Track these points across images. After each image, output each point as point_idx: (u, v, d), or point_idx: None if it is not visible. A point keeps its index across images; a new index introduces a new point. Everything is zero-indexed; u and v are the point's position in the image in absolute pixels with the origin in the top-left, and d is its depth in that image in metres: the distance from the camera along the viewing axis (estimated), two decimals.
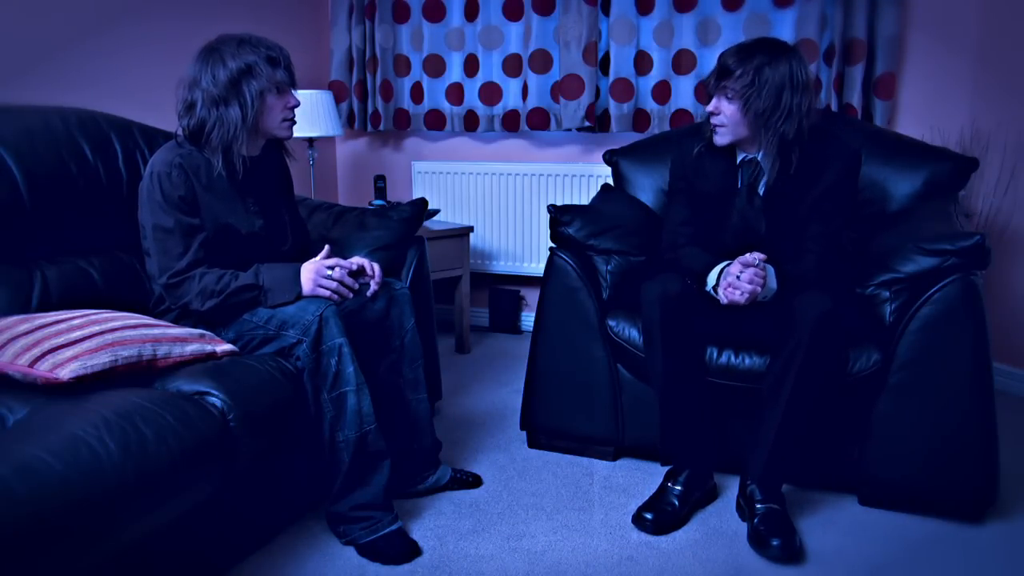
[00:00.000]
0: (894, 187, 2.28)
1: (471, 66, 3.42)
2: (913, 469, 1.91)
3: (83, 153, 2.02)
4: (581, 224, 2.24)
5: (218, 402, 1.56)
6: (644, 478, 2.16)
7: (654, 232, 2.29)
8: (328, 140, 3.74)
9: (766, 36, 2.08)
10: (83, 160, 2.01)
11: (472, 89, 3.44)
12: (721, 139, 1.98)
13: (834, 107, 2.90)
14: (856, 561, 1.77)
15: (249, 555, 1.77)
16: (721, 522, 1.94)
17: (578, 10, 3.11)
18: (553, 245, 2.27)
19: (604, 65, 3.20)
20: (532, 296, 3.60)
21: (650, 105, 3.18)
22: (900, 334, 1.88)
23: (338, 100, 3.51)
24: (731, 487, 2.07)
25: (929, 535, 1.88)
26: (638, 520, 1.90)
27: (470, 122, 3.46)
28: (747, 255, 1.88)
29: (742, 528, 1.89)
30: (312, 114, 3.12)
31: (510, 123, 3.39)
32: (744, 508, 1.89)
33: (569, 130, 3.30)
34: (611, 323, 2.16)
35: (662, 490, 1.96)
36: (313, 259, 1.85)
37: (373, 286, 1.90)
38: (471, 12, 3.37)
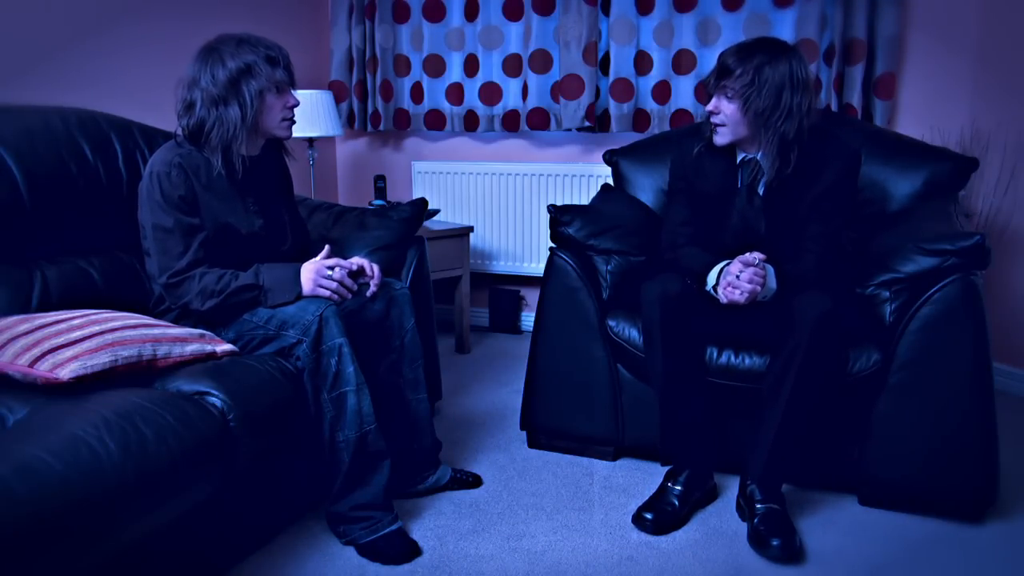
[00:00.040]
0: (894, 187, 2.28)
1: (471, 66, 3.42)
2: (913, 469, 1.91)
3: (83, 153, 2.02)
4: (581, 224, 2.24)
5: (218, 402, 1.56)
6: (644, 478, 2.16)
7: (654, 232, 2.29)
8: (328, 140, 3.74)
9: (766, 36, 2.07)
10: (83, 160, 2.01)
11: (472, 89, 3.44)
12: (721, 139, 1.98)
13: (834, 107, 2.90)
14: (856, 561, 1.77)
15: (249, 555, 1.77)
16: (721, 522, 1.94)
17: (578, 10, 3.11)
18: (553, 245, 2.27)
19: (604, 65, 3.20)
20: (532, 296, 3.60)
21: (650, 105, 3.18)
22: (900, 334, 1.88)
23: (338, 100, 3.51)
24: (731, 487, 2.07)
25: (929, 535, 1.88)
26: (638, 520, 1.90)
27: (470, 122, 3.46)
28: (747, 254, 1.88)
29: (742, 528, 1.89)
30: (312, 114, 3.12)
31: (510, 123, 3.39)
32: (744, 508, 1.89)
33: (569, 130, 3.30)
34: (611, 323, 2.16)
35: (662, 490, 1.96)
36: (313, 259, 1.85)
37: (372, 287, 1.90)
38: (471, 12, 3.37)
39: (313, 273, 1.81)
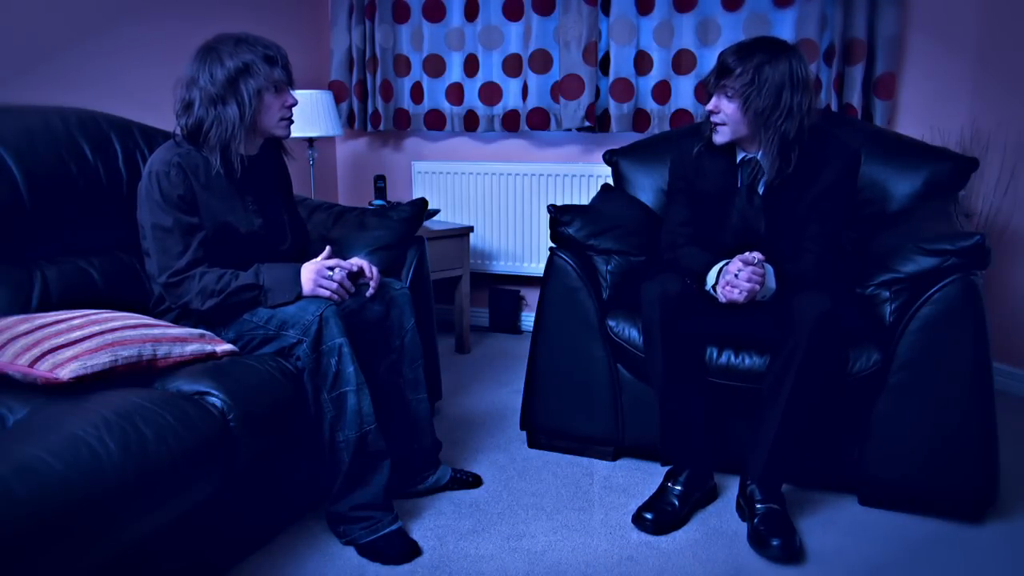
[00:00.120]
0: (894, 187, 2.28)
1: (471, 66, 3.42)
2: (913, 469, 1.91)
3: (83, 153, 2.02)
4: (581, 224, 2.24)
5: (218, 402, 1.56)
6: (644, 478, 2.16)
7: (654, 232, 2.29)
8: (328, 140, 3.74)
9: (766, 35, 2.07)
10: (83, 160, 2.01)
11: (472, 89, 3.44)
12: (721, 138, 1.97)
13: (834, 107, 2.90)
14: (856, 561, 1.77)
15: (249, 555, 1.77)
16: (721, 522, 1.94)
17: (578, 10, 3.11)
18: (553, 245, 2.27)
19: (604, 65, 3.20)
20: (532, 296, 3.60)
21: (650, 105, 3.18)
22: (900, 334, 1.88)
23: (338, 100, 3.51)
24: (731, 487, 2.07)
25: (929, 535, 1.88)
26: (638, 520, 1.90)
27: (470, 122, 3.46)
28: (746, 253, 1.88)
29: (742, 528, 1.89)
30: (312, 114, 3.12)
31: (510, 123, 3.39)
32: (744, 508, 1.89)
33: (569, 130, 3.30)
34: (611, 323, 2.16)
35: (662, 490, 1.96)
36: (314, 259, 1.85)
37: (371, 288, 1.90)
38: (471, 12, 3.37)
39: (313, 273, 1.81)
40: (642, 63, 3.16)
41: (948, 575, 1.73)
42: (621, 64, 3.13)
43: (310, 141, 3.30)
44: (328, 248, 1.89)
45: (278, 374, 1.71)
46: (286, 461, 1.84)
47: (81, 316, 1.63)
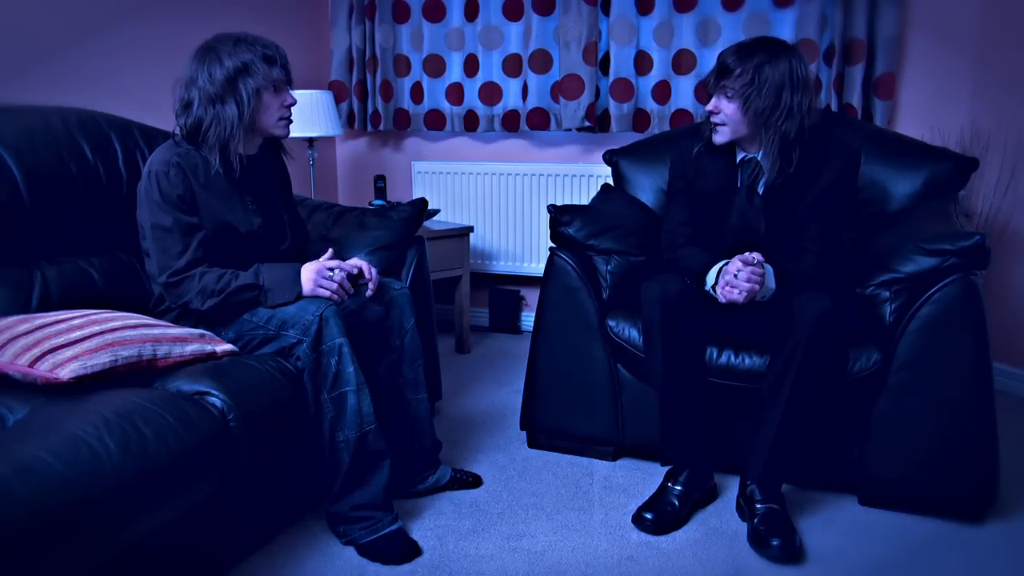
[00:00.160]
0: (894, 187, 2.28)
1: (471, 66, 3.42)
2: (913, 469, 1.91)
3: (83, 153, 2.02)
4: (581, 224, 2.24)
5: (218, 402, 1.56)
6: (644, 478, 2.16)
7: (654, 232, 2.29)
8: (328, 140, 3.74)
9: (766, 35, 2.08)
10: (83, 160, 2.01)
11: (472, 89, 3.44)
12: (720, 138, 1.97)
13: (834, 107, 2.90)
14: (856, 561, 1.77)
15: (249, 555, 1.77)
16: (721, 522, 1.94)
17: (578, 10, 3.11)
18: (553, 245, 2.27)
19: (604, 65, 3.20)
20: (532, 296, 3.60)
21: (650, 105, 3.18)
22: (900, 334, 1.88)
23: (338, 100, 3.51)
24: (731, 487, 2.07)
25: (929, 535, 1.88)
26: (638, 520, 1.90)
27: (470, 122, 3.46)
28: (746, 253, 1.88)
29: (742, 528, 1.89)
30: (312, 114, 3.12)
31: (510, 123, 3.39)
32: (744, 508, 1.89)
33: (569, 130, 3.30)
34: (611, 323, 2.16)
35: (662, 490, 1.96)
36: (315, 260, 1.85)
37: (370, 290, 1.90)
38: (471, 12, 3.37)
39: (314, 273, 1.81)
40: (642, 63, 3.16)
41: (948, 575, 1.73)
42: (621, 64, 3.13)
43: (310, 141, 3.30)
44: (330, 250, 1.90)
45: (278, 374, 1.71)
46: (286, 461, 1.84)
47: (81, 316, 1.63)
